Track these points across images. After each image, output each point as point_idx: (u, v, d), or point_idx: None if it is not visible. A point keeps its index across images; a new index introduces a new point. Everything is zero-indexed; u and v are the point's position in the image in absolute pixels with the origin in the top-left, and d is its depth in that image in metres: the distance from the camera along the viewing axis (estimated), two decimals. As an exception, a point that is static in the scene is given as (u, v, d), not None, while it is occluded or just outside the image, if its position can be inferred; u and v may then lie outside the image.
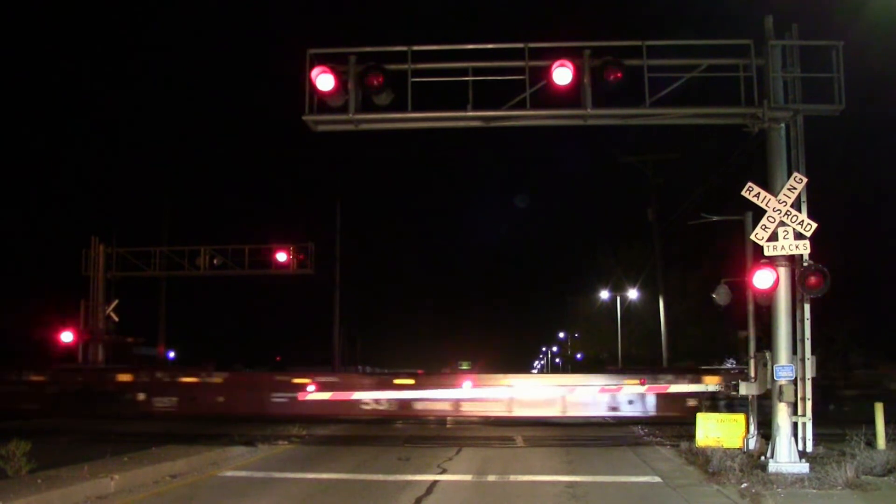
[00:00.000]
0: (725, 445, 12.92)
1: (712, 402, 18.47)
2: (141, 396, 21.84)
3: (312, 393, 16.34)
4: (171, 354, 39.73)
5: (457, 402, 21.07)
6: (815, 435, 11.26)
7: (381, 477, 11.04)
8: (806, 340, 11.14)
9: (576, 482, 10.54)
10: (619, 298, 41.12)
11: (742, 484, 9.91)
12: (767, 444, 11.37)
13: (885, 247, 25.93)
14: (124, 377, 23.03)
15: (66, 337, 26.04)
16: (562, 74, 11.44)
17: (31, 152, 47.73)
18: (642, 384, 17.16)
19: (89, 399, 22.16)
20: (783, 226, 10.99)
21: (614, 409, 20.77)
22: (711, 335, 31.54)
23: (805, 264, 10.96)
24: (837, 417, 18.18)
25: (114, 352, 27.53)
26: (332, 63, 11.72)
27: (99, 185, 48.15)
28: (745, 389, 12.49)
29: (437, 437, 17.27)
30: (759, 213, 11.24)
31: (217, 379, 22.59)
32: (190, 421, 19.84)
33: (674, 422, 17.84)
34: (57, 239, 35.93)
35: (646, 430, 17.72)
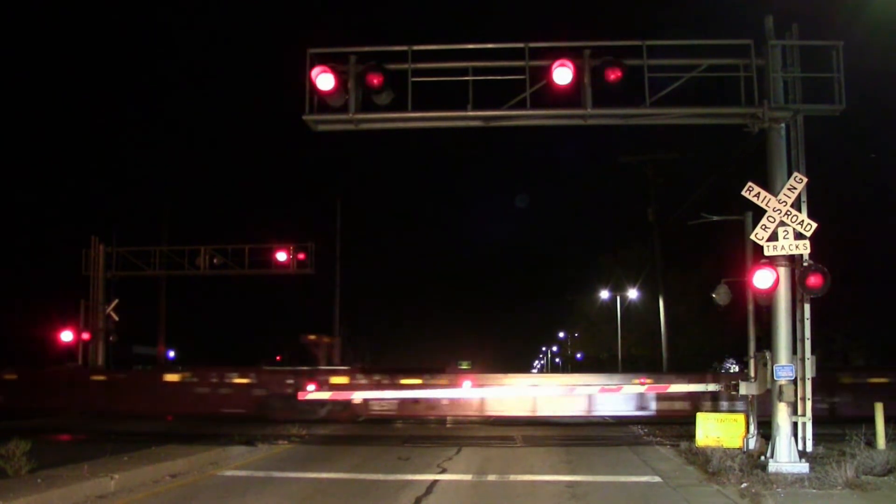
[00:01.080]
0: (725, 445, 12.93)
1: None
2: (357, 399, 21.07)
3: (312, 392, 16.32)
4: (171, 354, 39.76)
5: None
6: (814, 434, 11.27)
7: (380, 476, 11.04)
8: (806, 340, 11.14)
9: (576, 482, 10.55)
10: (619, 298, 41.13)
11: (742, 484, 9.91)
12: (767, 444, 11.37)
13: (885, 247, 25.93)
14: (339, 379, 22.36)
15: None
16: (562, 74, 11.43)
17: (30, 152, 47.73)
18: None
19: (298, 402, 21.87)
20: (783, 226, 10.99)
21: None
22: (711, 335, 31.59)
23: (805, 264, 10.96)
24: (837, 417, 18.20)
25: (114, 352, 27.53)
26: (333, 62, 11.71)
27: (99, 184, 48.16)
28: (744, 389, 12.49)
29: (436, 436, 17.28)
30: (760, 212, 11.24)
31: (442, 381, 21.94)
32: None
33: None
34: (57, 239, 35.92)
35: (645, 430, 17.73)
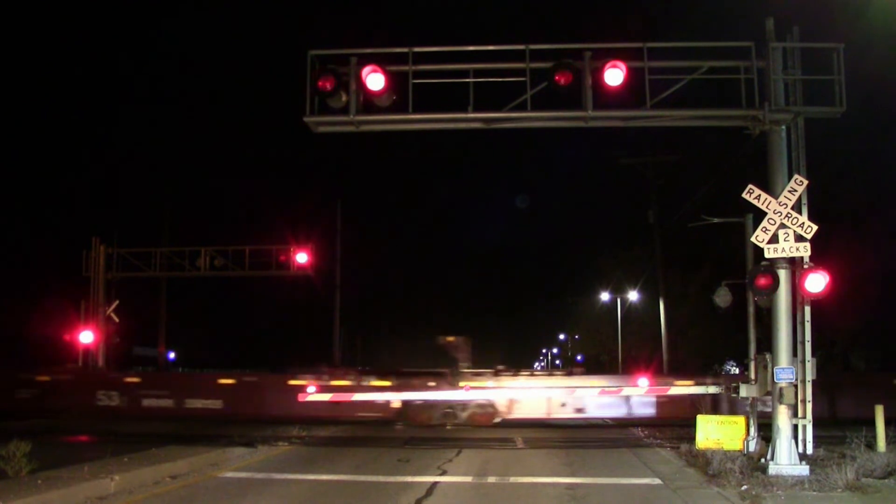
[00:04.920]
0: (726, 447, 12.90)
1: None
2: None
3: (313, 394, 16.30)
4: (172, 355, 39.76)
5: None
6: (815, 437, 11.25)
7: (381, 478, 11.04)
8: (806, 343, 11.13)
9: (576, 484, 10.54)
10: (619, 300, 41.09)
11: (742, 486, 9.90)
12: (768, 447, 11.36)
13: (886, 248, 25.88)
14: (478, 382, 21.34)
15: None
16: (563, 76, 11.43)
17: (32, 153, 47.78)
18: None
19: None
20: (784, 228, 10.99)
21: None
22: (712, 337, 31.54)
23: (806, 266, 10.96)
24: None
25: (114, 353, 27.52)
26: (334, 64, 11.73)
27: (100, 185, 48.17)
28: (745, 391, 12.49)
29: (437, 438, 17.26)
30: (760, 215, 11.23)
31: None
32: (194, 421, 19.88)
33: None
34: (58, 239, 35.95)
35: (646, 432, 17.71)
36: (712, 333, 30.94)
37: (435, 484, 10.51)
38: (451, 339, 22.47)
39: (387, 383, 21.31)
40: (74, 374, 24.62)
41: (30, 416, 20.97)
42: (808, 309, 11.19)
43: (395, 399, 20.45)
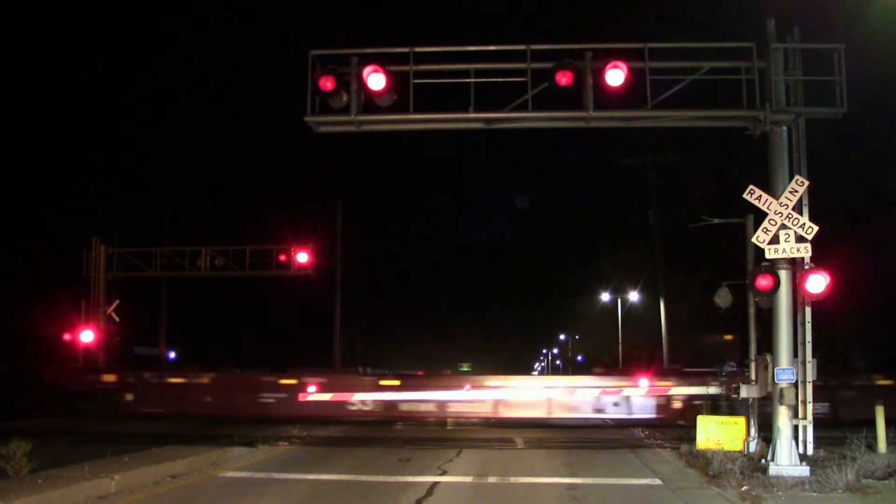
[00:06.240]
0: (726, 448, 12.90)
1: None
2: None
3: (313, 394, 16.31)
4: (172, 355, 39.74)
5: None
6: (815, 438, 11.25)
7: (381, 478, 11.03)
8: (807, 343, 11.13)
9: (576, 484, 10.54)
10: (619, 300, 41.09)
11: (742, 487, 9.90)
12: (768, 447, 11.36)
13: (886, 249, 25.89)
14: None
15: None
16: (564, 76, 11.43)
17: (33, 152, 47.78)
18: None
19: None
20: (784, 229, 10.98)
21: None
22: (713, 337, 31.53)
23: (806, 267, 10.96)
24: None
25: (114, 352, 27.49)
26: (335, 64, 11.73)
27: (100, 185, 48.18)
28: (745, 392, 12.50)
29: (437, 438, 17.27)
30: (761, 215, 11.23)
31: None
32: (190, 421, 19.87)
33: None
34: (58, 239, 35.94)
35: (646, 433, 17.71)
36: (713, 334, 30.91)
37: (435, 484, 10.51)
38: (728, 337, 21.95)
39: (668, 383, 20.14)
40: (327, 377, 23.59)
41: (277, 422, 19.82)
42: (808, 310, 11.18)
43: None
